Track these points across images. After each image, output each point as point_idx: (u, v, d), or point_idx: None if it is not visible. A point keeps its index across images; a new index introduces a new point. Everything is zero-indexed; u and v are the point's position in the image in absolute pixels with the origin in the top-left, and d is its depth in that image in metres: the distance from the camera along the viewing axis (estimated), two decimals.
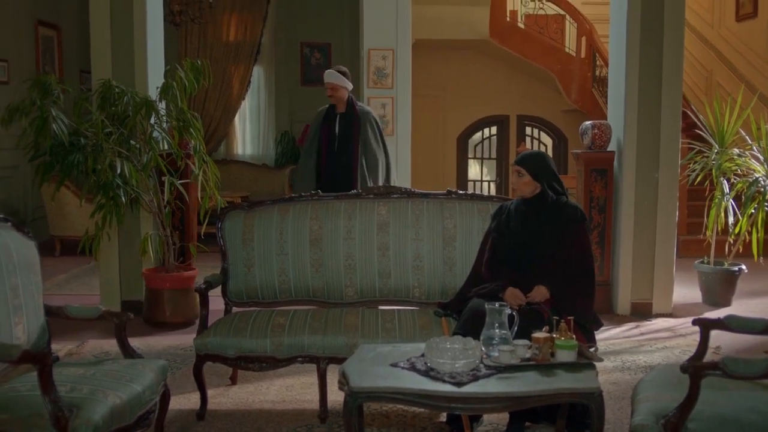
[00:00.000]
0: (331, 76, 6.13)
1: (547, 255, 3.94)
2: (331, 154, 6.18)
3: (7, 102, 5.84)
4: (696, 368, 2.90)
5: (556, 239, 3.96)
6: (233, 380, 4.82)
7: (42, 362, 2.87)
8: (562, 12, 12.18)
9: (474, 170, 13.63)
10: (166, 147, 6.05)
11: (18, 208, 9.24)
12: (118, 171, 5.63)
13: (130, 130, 5.87)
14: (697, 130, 7.32)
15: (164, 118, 6.01)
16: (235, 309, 4.64)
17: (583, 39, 11.79)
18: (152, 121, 5.93)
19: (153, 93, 6.10)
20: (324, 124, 6.21)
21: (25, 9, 9.46)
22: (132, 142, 5.88)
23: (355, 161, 6.08)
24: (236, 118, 12.02)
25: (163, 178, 6.03)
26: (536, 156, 4.19)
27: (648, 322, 6.44)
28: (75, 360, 4.92)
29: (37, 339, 3.43)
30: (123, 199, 5.72)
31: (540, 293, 3.84)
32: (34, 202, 9.47)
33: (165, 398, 3.57)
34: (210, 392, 4.39)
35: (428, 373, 3.22)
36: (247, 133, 12.24)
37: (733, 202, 6.99)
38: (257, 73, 11.93)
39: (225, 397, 4.57)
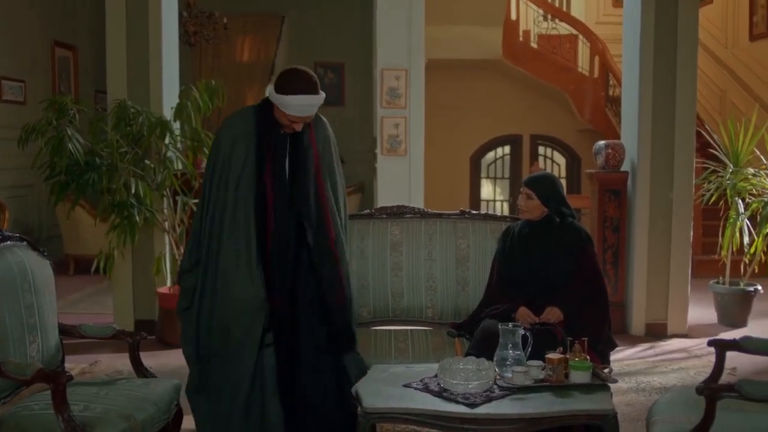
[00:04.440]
0: (316, 102, 3.65)
1: (555, 278, 3.92)
2: (281, 215, 3.61)
3: (23, 122, 5.89)
4: (712, 390, 2.88)
5: (562, 262, 3.94)
6: None
7: (56, 381, 2.89)
8: (575, 32, 12.21)
9: (487, 190, 13.61)
10: (180, 167, 6.09)
11: (33, 227, 9.29)
12: (133, 191, 5.68)
13: (145, 150, 5.93)
14: (711, 150, 7.29)
15: (179, 138, 6.07)
16: None
17: (596, 59, 11.81)
18: (167, 141, 5.98)
19: (168, 113, 6.14)
20: (267, 154, 3.68)
21: (42, 30, 9.57)
22: (147, 161, 5.93)
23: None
24: None
25: (176, 198, 6.07)
26: (546, 179, 4.14)
27: (663, 343, 6.39)
28: (88, 379, 4.92)
29: (51, 358, 3.45)
30: (137, 218, 5.75)
31: (553, 314, 3.82)
32: (48, 221, 9.52)
33: (178, 417, 3.57)
34: None
35: (441, 393, 3.21)
36: None
37: (748, 222, 6.94)
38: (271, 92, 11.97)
39: None
